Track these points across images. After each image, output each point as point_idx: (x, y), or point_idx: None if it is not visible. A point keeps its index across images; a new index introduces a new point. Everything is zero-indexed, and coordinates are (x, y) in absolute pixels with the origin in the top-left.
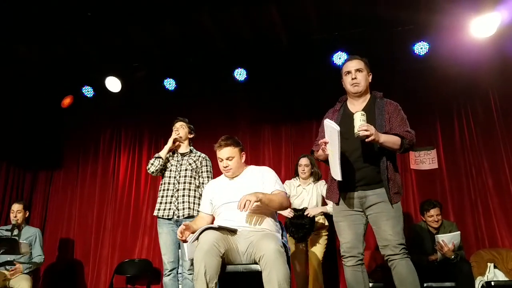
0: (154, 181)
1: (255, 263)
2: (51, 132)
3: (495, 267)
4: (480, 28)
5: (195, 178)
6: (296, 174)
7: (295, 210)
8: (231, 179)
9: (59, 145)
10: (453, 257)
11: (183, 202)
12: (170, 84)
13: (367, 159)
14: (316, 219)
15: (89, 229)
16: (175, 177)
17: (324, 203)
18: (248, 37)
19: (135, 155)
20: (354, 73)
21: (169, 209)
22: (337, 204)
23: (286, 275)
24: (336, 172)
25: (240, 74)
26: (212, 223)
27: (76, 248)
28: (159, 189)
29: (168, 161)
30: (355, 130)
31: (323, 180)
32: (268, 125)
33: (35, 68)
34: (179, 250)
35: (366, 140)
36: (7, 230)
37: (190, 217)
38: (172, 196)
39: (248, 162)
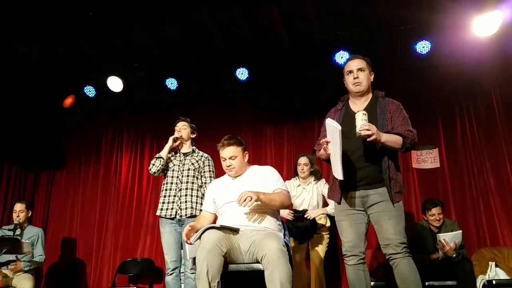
0: (156, 181)
1: (257, 262)
2: (53, 132)
3: (496, 265)
4: (482, 27)
5: (197, 178)
6: (295, 174)
7: (295, 211)
8: (234, 179)
9: (61, 145)
10: (454, 256)
11: (186, 201)
12: (172, 83)
13: (368, 159)
14: (318, 219)
15: (91, 229)
16: (177, 177)
17: (325, 203)
18: (249, 37)
19: (137, 155)
20: (356, 72)
21: (172, 208)
22: (339, 203)
23: (288, 274)
24: (337, 172)
25: (242, 73)
26: (214, 222)
27: (79, 247)
28: (162, 189)
29: (171, 161)
30: (357, 130)
31: (324, 179)
32: (269, 124)
33: (36, 68)
34: (181, 250)
35: (368, 139)
36: (9, 229)
37: (193, 216)
38: (175, 196)
39: (250, 162)
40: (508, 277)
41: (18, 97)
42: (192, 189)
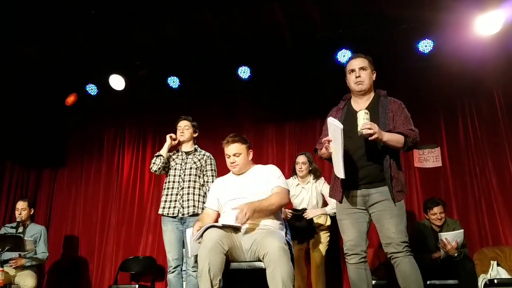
0: (158, 179)
1: (259, 260)
2: (55, 130)
3: (498, 265)
4: (485, 26)
5: (199, 177)
6: (294, 173)
7: (294, 210)
8: (238, 176)
9: (63, 143)
10: (456, 255)
11: (188, 200)
12: (174, 82)
13: (370, 157)
14: (317, 218)
15: (93, 227)
16: (179, 176)
17: (324, 202)
18: (250, 35)
19: (139, 153)
20: (358, 71)
21: (174, 207)
22: (340, 202)
23: (290, 272)
24: (339, 170)
25: (244, 72)
26: (217, 219)
27: (81, 245)
28: (164, 187)
29: (173, 159)
30: (359, 129)
31: (323, 178)
32: (271, 123)
33: (37, 67)
34: (183, 248)
35: (370, 138)
36: (12, 227)
37: (195, 215)
38: (177, 195)
39: (252, 161)
40: (509, 276)
41: (19, 96)
42: (194, 188)
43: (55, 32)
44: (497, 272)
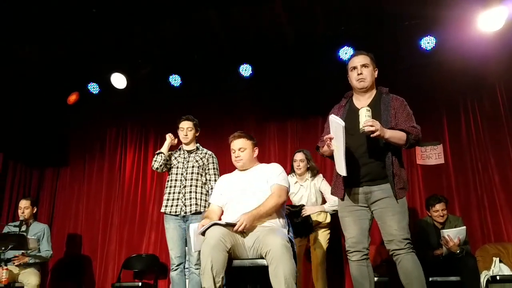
0: (160, 177)
1: (262, 258)
2: (57, 129)
3: (500, 261)
4: (487, 22)
5: (202, 175)
6: (292, 171)
7: (292, 206)
8: (242, 172)
9: (65, 142)
10: (458, 251)
11: (190, 198)
12: (175, 80)
13: (372, 155)
14: (317, 215)
15: (96, 225)
16: (182, 174)
17: (323, 199)
18: (252, 34)
19: (141, 152)
20: (360, 68)
21: (177, 205)
22: (342, 199)
23: (292, 269)
24: (341, 168)
25: (245, 70)
26: (221, 216)
27: (84, 243)
28: (166, 186)
29: (175, 158)
30: (360, 126)
31: (321, 175)
32: (273, 121)
33: (38, 66)
34: (186, 246)
35: (372, 135)
36: (15, 226)
37: (197, 213)
38: (179, 193)
39: None
40: None
41: (21, 96)
42: (196, 186)
43: (55, 31)
44: (499, 268)
